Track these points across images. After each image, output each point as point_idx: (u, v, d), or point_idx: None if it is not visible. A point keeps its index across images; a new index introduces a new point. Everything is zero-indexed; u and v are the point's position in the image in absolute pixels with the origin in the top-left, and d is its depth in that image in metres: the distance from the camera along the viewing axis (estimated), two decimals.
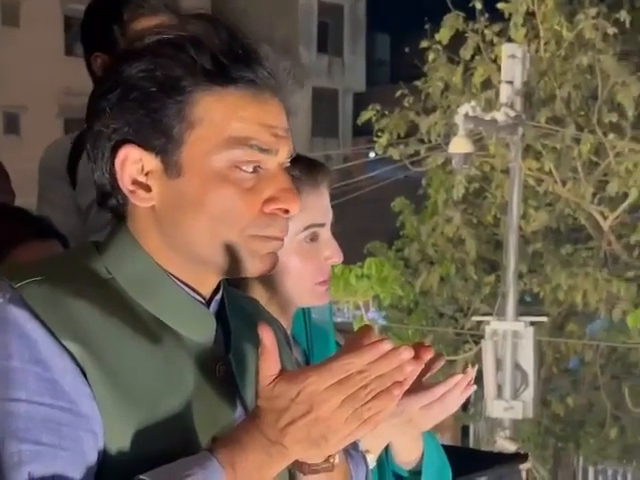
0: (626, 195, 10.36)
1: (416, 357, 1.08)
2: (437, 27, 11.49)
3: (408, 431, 1.66)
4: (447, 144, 10.54)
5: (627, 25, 10.51)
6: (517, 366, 9.16)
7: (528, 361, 9.13)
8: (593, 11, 10.60)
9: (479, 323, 10.43)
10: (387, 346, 1.06)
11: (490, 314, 9.91)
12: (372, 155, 15.50)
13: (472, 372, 1.59)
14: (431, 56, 11.64)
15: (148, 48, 1.16)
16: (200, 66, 1.14)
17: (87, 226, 2.40)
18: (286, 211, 1.18)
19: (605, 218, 10.78)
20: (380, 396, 1.06)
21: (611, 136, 10.38)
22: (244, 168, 1.16)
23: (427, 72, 11.79)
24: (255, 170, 1.17)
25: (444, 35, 11.40)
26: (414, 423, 1.63)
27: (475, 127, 10.06)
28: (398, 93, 11.80)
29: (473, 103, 10.15)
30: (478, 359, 9.92)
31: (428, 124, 11.53)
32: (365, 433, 1.09)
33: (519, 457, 2.30)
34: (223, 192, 1.15)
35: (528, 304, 11.00)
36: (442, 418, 1.62)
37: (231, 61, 1.15)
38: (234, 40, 1.16)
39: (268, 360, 1.09)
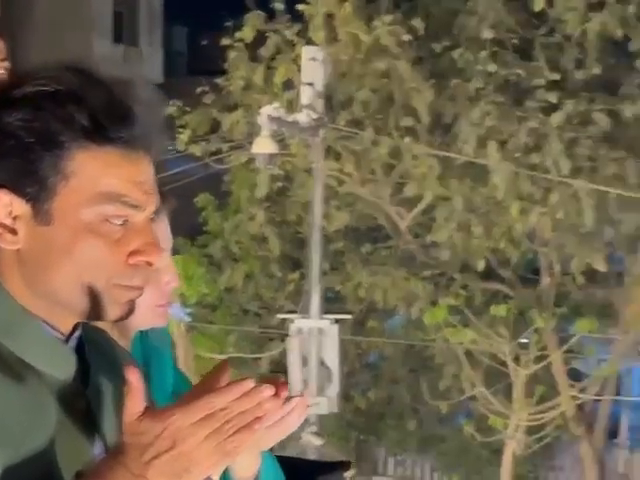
0: (421, 196, 10.74)
1: (275, 394, 1.17)
2: (238, 24, 11.53)
3: (249, 450, 1.74)
4: (250, 143, 10.65)
5: (421, 32, 10.88)
6: (322, 363, 9.38)
7: (332, 358, 9.37)
8: (389, 17, 10.91)
9: (284, 320, 10.59)
10: (249, 385, 1.17)
11: (295, 312, 10.09)
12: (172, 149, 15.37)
13: (309, 394, 1.69)
14: (232, 54, 11.66)
15: (27, 98, 1.21)
16: (79, 123, 1.21)
17: None
18: (150, 263, 1.25)
19: (402, 218, 11.15)
20: (241, 430, 1.16)
21: (407, 140, 10.71)
22: (113, 221, 1.23)
23: (228, 69, 11.81)
24: (123, 223, 1.23)
25: (246, 34, 11.46)
26: (256, 443, 1.72)
27: (278, 128, 10.21)
28: (199, 90, 11.76)
29: (276, 104, 10.30)
30: (284, 356, 10.09)
31: (230, 122, 11.57)
32: (226, 464, 1.18)
33: (343, 465, 2.40)
34: (91, 243, 1.22)
35: (331, 301, 11.27)
36: (282, 438, 1.72)
37: (109, 121, 1.22)
38: (111, 98, 1.21)
39: (134, 398, 1.17)
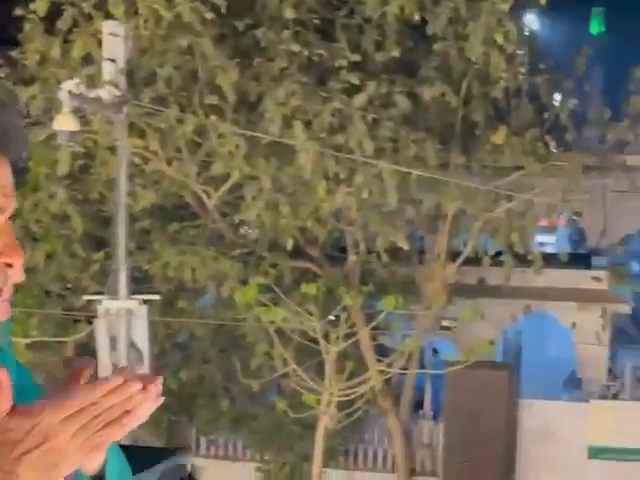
0: (228, 175, 10.73)
1: (144, 388, 1.17)
2: None
3: None
4: (50, 119, 10.30)
5: (223, 10, 10.82)
6: (132, 344, 9.25)
7: (142, 339, 9.26)
8: None
9: (90, 302, 10.36)
10: (117, 381, 1.19)
11: (101, 292, 9.89)
12: None
13: (160, 382, 1.68)
14: (27, 26, 11.24)
15: None
16: None
17: None
18: (10, 265, 1.22)
19: (209, 197, 11.11)
20: (111, 424, 1.20)
21: (213, 118, 10.64)
22: None
23: (22, 42, 11.38)
24: None
25: (40, 6, 11.06)
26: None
27: (80, 104, 9.93)
28: None
29: (77, 80, 9.99)
30: (90, 339, 9.88)
31: (27, 96, 11.17)
32: (95, 456, 1.17)
33: (183, 451, 2.42)
34: None
35: (139, 281, 11.12)
36: (132, 428, 1.69)
37: None
38: None
39: (3, 396, 1.19)
